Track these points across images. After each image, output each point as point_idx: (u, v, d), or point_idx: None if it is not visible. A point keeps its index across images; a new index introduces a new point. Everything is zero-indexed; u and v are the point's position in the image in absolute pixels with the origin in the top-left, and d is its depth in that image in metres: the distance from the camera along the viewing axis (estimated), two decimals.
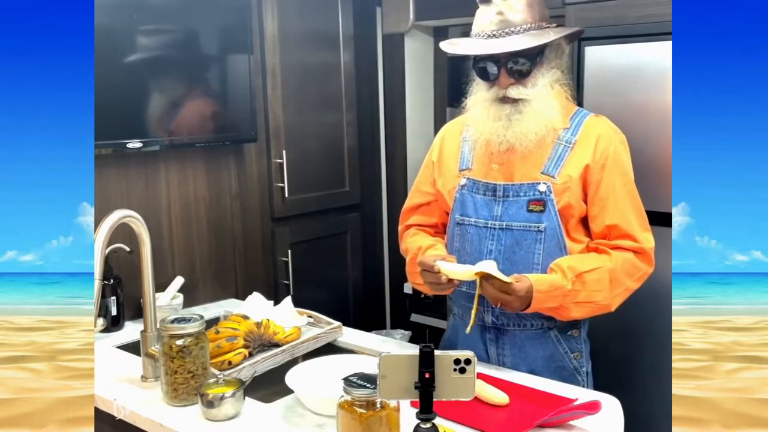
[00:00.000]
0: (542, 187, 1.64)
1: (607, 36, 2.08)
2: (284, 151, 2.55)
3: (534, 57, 1.61)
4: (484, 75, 1.65)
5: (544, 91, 1.63)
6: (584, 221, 1.69)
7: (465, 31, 2.77)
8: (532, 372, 1.68)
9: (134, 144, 2.09)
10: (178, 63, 2.19)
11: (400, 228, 1.94)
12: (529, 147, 1.64)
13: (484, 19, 1.62)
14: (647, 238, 1.65)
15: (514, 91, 1.62)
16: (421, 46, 2.88)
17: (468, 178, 1.74)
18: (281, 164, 2.54)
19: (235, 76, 2.33)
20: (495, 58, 1.61)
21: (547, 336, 1.70)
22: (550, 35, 1.60)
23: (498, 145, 1.66)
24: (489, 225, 1.69)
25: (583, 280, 1.59)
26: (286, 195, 2.57)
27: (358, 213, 2.92)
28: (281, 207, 2.59)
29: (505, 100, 1.64)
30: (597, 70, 2.11)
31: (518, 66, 1.60)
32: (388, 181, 2.97)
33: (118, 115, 2.05)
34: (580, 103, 2.05)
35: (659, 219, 1.87)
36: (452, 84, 2.80)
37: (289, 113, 2.57)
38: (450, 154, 1.81)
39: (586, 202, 1.66)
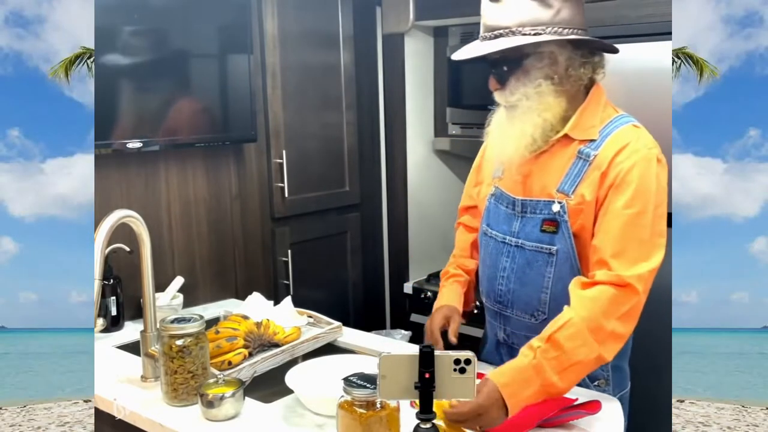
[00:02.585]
0: (555, 207, 1.50)
1: (607, 36, 2.07)
2: (284, 151, 2.55)
3: (514, 62, 1.48)
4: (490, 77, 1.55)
5: (527, 101, 1.49)
6: None
7: (465, 31, 2.76)
8: None
9: (134, 144, 2.08)
10: (178, 63, 2.18)
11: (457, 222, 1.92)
12: (514, 160, 1.54)
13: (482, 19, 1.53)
14: (627, 266, 1.39)
15: (498, 96, 1.54)
16: (421, 46, 2.87)
17: (497, 187, 1.65)
18: (281, 164, 2.54)
19: (235, 76, 2.33)
20: (487, 62, 1.51)
21: None
22: (529, 40, 1.43)
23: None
24: (506, 241, 1.60)
25: (556, 343, 1.36)
26: (286, 195, 2.57)
27: (358, 213, 2.92)
28: (281, 207, 2.59)
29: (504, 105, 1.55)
30: None
31: (498, 71, 1.51)
32: (388, 181, 2.97)
33: (118, 115, 2.05)
34: None
35: None
36: (452, 84, 2.79)
37: (289, 113, 2.57)
38: (491, 157, 1.70)
39: None
